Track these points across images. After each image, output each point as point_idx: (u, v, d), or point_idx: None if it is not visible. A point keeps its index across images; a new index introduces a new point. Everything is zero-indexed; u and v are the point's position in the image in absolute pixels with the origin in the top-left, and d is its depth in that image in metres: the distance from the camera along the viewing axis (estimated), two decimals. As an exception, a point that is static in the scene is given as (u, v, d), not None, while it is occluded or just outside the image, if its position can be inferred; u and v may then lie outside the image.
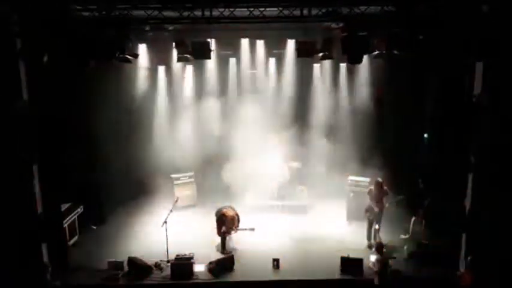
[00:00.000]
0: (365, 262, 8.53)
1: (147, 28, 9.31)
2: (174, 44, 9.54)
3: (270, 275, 8.55)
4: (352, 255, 8.58)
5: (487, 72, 7.58)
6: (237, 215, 9.81)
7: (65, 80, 8.92)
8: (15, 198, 7.76)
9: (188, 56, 9.64)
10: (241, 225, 9.80)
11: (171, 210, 9.54)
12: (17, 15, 7.34)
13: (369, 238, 9.78)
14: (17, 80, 7.60)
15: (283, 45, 11.77)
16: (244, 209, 11.04)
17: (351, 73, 12.35)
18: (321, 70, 12.56)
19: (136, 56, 9.71)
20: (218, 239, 9.56)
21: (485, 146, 7.73)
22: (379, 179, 9.64)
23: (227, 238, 9.57)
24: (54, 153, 8.46)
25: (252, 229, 9.56)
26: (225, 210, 9.67)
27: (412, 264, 8.79)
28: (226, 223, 9.47)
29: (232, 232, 9.61)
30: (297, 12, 7.78)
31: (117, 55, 8.19)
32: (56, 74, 8.27)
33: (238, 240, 9.83)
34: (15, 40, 7.45)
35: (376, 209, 9.52)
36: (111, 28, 7.59)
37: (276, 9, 7.83)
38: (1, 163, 7.61)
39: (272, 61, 12.39)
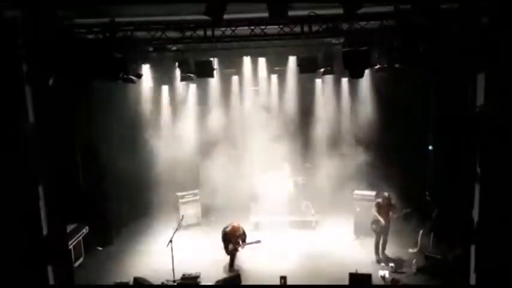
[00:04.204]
0: (374, 277, 8.43)
1: (151, 49, 9.45)
2: (177, 63, 9.67)
3: (277, 293, 8.42)
4: (360, 270, 8.46)
5: (488, 83, 7.60)
6: (240, 229, 9.61)
7: (70, 101, 9.03)
8: (21, 219, 7.76)
9: (191, 75, 9.78)
10: (247, 240, 9.68)
11: (176, 229, 9.50)
12: (23, 39, 7.49)
13: (377, 252, 9.66)
14: (23, 102, 7.71)
15: (284, 62, 11.90)
16: (250, 226, 11.00)
17: (353, 87, 12.43)
18: (323, 85, 12.67)
19: (140, 76, 9.84)
20: (226, 258, 9.46)
21: (490, 156, 7.69)
22: (386, 194, 9.58)
23: (236, 256, 9.49)
24: (60, 173, 8.50)
25: (258, 241, 9.41)
26: (227, 229, 9.57)
27: (421, 279, 8.66)
28: (231, 240, 9.39)
29: (240, 248, 9.49)
30: (297, 29, 7.87)
31: (121, 75, 8.30)
32: (62, 95, 8.38)
33: (244, 258, 9.74)
34: (21, 63, 7.59)
35: (383, 223, 9.43)
36: (115, 50, 7.71)
37: (276, 27, 7.95)
38: (6, 184, 7.64)
39: (274, 78, 12.52)
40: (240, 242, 9.47)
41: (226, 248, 9.45)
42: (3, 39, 7.21)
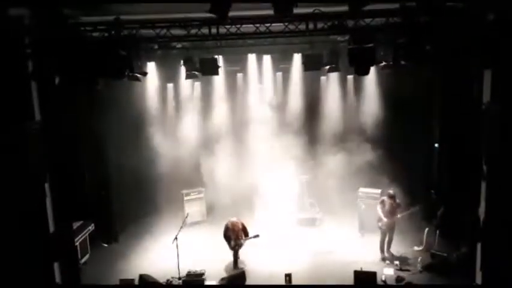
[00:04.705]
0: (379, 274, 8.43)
1: (156, 46, 9.46)
2: (182, 61, 9.69)
3: (282, 291, 8.43)
4: (365, 268, 8.46)
5: (495, 80, 7.55)
6: (239, 223, 9.61)
7: (76, 99, 9.08)
8: (27, 217, 7.83)
9: (196, 72, 9.79)
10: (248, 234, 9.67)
11: (181, 227, 9.55)
12: (29, 38, 7.53)
13: (382, 250, 9.64)
14: (29, 100, 7.76)
15: (289, 60, 11.88)
16: (254, 223, 11.01)
17: (358, 85, 12.38)
18: (328, 83, 12.62)
19: (145, 74, 9.86)
20: (231, 255, 9.48)
21: (496, 153, 7.64)
22: (392, 192, 9.54)
23: (239, 252, 9.49)
24: (66, 171, 8.55)
25: (257, 236, 9.41)
26: (226, 226, 9.59)
27: (427, 277, 8.64)
28: (232, 236, 9.42)
29: (242, 242, 9.48)
30: (302, 27, 7.85)
31: (127, 74, 8.33)
32: (67, 93, 8.42)
33: (249, 255, 9.77)
34: (27, 62, 7.63)
35: (385, 221, 9.40)
36: (120, 48, 7.73)
37: (281, 24, 7.93)
38: (13, 182, 7.69)
39: (279, 75, 12.50)
40: (243, 236, 9.49)
41: (228, 244, 9.50)
42: (9, 38, 7.25)
